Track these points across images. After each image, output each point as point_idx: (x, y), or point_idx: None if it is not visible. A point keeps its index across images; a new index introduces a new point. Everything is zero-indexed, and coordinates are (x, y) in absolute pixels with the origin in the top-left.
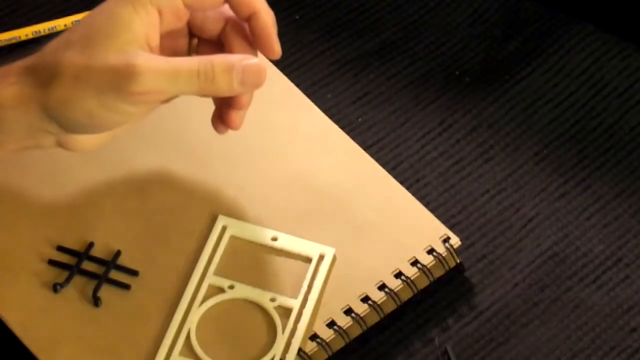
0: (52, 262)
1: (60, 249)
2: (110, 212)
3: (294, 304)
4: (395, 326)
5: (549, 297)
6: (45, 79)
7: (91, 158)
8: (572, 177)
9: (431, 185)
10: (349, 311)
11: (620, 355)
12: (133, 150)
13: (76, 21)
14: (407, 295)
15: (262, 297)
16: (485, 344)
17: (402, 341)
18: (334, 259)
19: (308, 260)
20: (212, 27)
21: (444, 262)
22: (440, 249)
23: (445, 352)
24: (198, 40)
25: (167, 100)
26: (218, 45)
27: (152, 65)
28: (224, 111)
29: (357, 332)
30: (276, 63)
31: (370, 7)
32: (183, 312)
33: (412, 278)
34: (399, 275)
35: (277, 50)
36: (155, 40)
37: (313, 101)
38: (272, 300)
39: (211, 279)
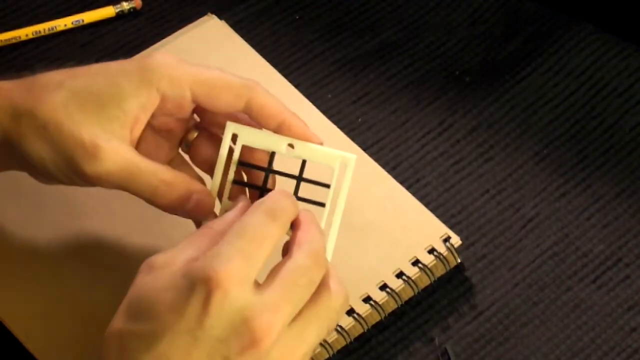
0: None
1: None
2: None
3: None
4: (396, 326)
5: (548, 296)
6: (20, 111)
7: None
8: (572, 177)
9: (431, 185)
10: (350, 311)
11: (620, 355)
12: None
13: (76, 21)
14: (408, 294)
15: None
16: (485, 343)
17: (402, 341)
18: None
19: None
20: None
21: (444, 261)
22: (441, 248)
23: (445, 351)
24: (200, 131)
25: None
26: (217, 141)
27: (115, 158)
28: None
29: (358, 331)
30: (276, 64)
31: (370, 7)
32: None
33: (413, 278)
34: (400, 275)
35: (318, 141)
36: (142, 123)
37: (313, 101)
38: None
39: (226, 204)
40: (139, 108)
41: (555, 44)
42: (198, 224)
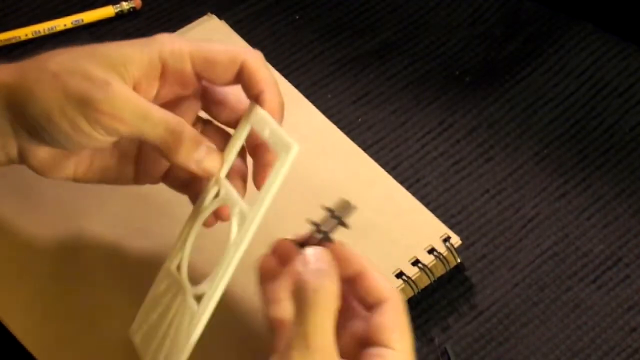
0: None
1: None
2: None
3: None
4: None
5: (548, 297)
6: (25, 69)
7: None
8: (572, 177)
9: (431, 185)
10: None
11: (620, 355)
12: None
13: (76, 21)
14: (408, 294)
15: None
16: (485, 343)
17: None
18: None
19: None
20: (228, 115)
21: (444, 261)
22: (441, 248)
23: (445, 351)
24: (204, 124)
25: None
26: (225, 134)
27: (128, 93)
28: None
29: None
30: (276, 64)
31: (370, 7)
32: None
33: (413, 278)
34: (400, 275)
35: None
36: (148, 94)
37: (313, 101)
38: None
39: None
40: (140, 72)
41: (555, 44)
42: (193, 200)
